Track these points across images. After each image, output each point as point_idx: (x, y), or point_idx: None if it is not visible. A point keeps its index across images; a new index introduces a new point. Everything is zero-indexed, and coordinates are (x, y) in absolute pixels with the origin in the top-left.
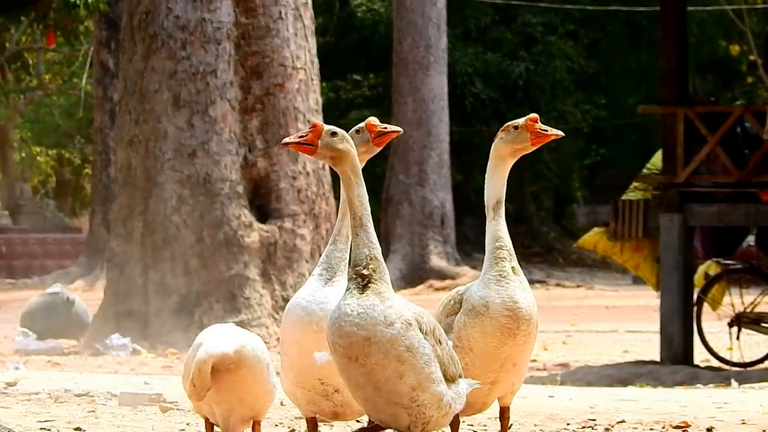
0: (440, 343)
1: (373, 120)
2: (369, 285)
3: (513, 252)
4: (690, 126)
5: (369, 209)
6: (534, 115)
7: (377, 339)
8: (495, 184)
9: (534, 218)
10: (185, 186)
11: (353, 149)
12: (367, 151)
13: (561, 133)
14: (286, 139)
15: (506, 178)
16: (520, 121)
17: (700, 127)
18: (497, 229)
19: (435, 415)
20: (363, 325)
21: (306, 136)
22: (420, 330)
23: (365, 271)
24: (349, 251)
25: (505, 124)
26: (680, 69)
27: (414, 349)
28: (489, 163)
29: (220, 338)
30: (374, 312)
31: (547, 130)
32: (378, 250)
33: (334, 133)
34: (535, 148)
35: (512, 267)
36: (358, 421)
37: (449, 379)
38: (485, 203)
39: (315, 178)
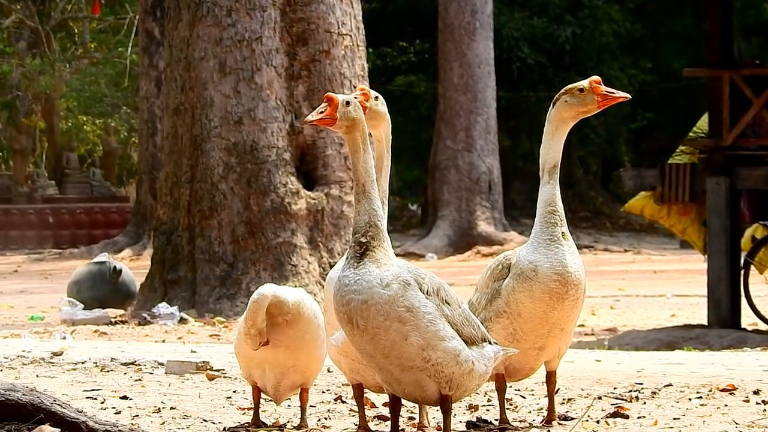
0: (448, 304)
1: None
2: (366, 253)
3: (564, 217)
4: (735, 89)
5: (374, 176)
6: (597, 77)
7: (374, 301)
8: (553, 147)
9: (581, 183)
10: (232, 153)
11: (363, 116)
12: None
13: (628, 96)
14: (308, 118)
15: (563, 142)
16: (584, 83)
17: (745, 89)
18: (552, 194)
19: (456, 372)
20: (359, 290)
21: (325, 111)
22: (421, 290)
23: (363, 239)
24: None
25: (567, 87)
26: (725, 32)
27: (414, 309)
28: (548, 126)
29: (281, 287)
30: (370, 276)
31: (613, 92)
32: (379, 217)
33: (347, 103)
34: (600, 110)
35: (562, 232)
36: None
37: (467, 341)
38: (540, 166)
39: None
